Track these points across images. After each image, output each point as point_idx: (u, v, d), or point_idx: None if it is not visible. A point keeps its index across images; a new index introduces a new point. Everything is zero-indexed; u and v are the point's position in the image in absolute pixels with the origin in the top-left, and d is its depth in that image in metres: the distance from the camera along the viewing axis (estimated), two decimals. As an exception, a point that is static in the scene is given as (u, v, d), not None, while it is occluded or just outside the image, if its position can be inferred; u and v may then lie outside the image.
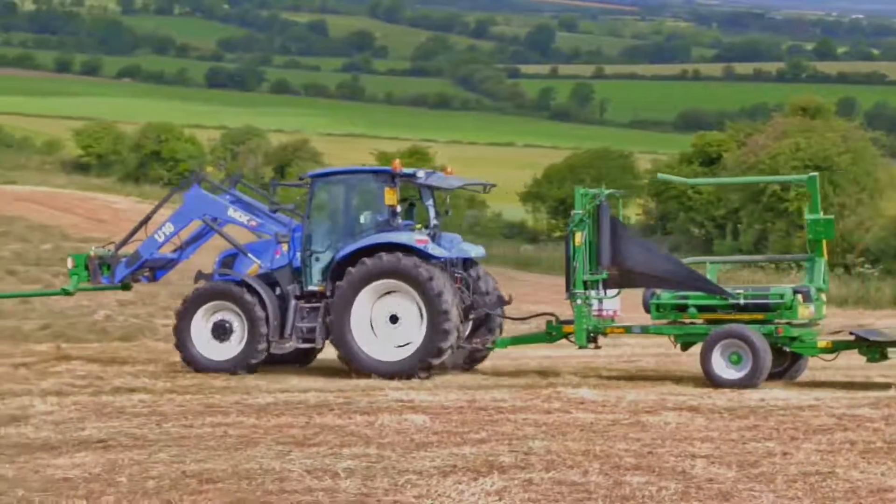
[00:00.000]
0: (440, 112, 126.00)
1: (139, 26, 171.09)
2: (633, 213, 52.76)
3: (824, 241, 15.19)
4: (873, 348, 14.81)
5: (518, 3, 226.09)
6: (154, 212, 17.18)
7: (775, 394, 13.99)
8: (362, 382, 15.19)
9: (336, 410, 12.84)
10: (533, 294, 33.67)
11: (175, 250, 17.13)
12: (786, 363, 15.22)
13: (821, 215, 15.28)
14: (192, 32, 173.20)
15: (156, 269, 17.14)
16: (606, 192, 15.50)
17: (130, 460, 10.07)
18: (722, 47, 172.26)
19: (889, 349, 14.94)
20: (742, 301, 14.75)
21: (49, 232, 36.68)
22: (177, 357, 18.24)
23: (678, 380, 15.62)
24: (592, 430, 11.66)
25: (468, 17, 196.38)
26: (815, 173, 16.34)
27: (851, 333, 15.09)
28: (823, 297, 15.25)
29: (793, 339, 14.73)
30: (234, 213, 16.70)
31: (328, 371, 16.50)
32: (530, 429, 11.72)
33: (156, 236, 16.84)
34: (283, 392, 14.26)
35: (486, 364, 17.18)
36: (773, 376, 14.98)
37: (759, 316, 14.69)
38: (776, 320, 14.62)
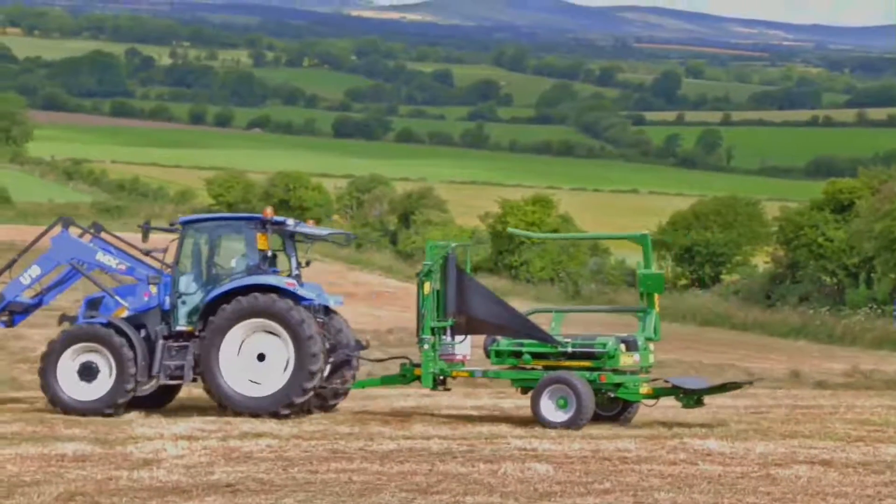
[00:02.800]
0: (564, 159, 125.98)
1: (269, 78, 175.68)
2: (760, 260, 51.81)
3: (655, 295, 16.25)
4: (688, 395, 15.80)
5: (644, 50, 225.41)
6: (21, 255, 17.31)
7: (912, 448, 13.52)
8: (485, 430, 15.14)
9: (459, 458, 12.82)
10: (659, 345, 33.17)
11: (35, 295, 17.30)
12: (618, 408, 16.06)
13: (652, 270, 16.45)
14: (321, 83, 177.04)
15: (14, 314, 17.30)
16: (454, 244, 16.55)
17: (257, 504, 10.20)
18: (855, 92, 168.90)
19: (704, 396, 15.99)
20: (570, 349, 15.74)
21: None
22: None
23: (809, 433, 15.22)
24: (720, 483, 11.40)
25: (593, 64, 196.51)
26: (647, 231, 17.49)
27: (666, 381, 16.01)
28: (651, 346, 16.06)
29: (617, 385, 15.64)
30: (103, 257, 17.04)
31: (452, 418, 16.51)
32: (655, 480, 11.52)
33: (21, 279, 17.10)
34: (406, 439, 14.30)
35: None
36: (608, 419, 15.91)
37: (587, 364, 15.65)
38: (601, 368, 15.56)
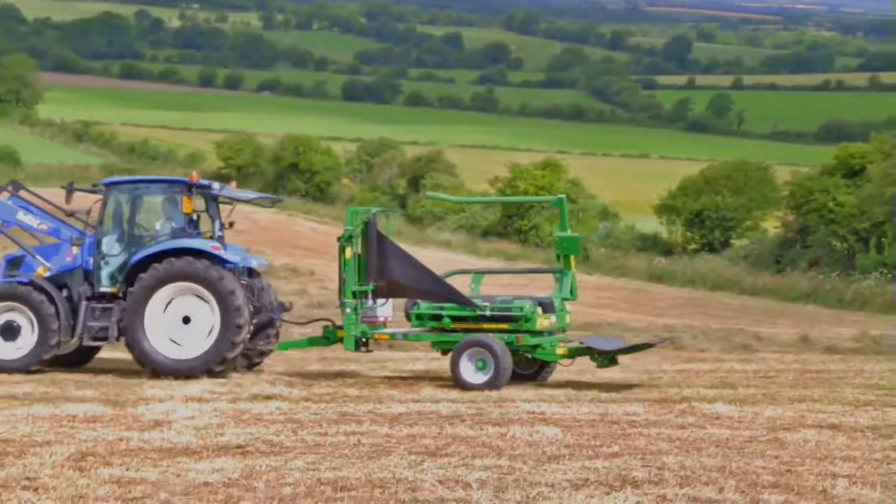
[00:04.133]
0: (574, 124, 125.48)
1: (279, 41, 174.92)
2: (771, 225, 51.71)
3: (572, 257, 16.67)
4: (602, 356, 16.29)
5: (655, 14, 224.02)
6: None
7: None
8: (494, 393, 15.20)
9: (468, 421, 12.87)
10: (668, 310, 33.21)
11: None
12: (535, 367, 16.51)
13: (568, 233, 16.82)
14: (330, 46, 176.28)
15: None
16: (375, 210, 17.01)
17: (267, 466, 10.27)
18: (867, 56, 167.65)
19: (618, 356, 16.55)
20: (489, 312, 16.10)
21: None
22: (312, 366, 18.52)
23: (818, 397, 15.24)
24: (728, 447, 11.44)
25: (603, 28, 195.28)
26: (563, 195, 18.21)
27: (581, 342, 16.58)
28: (568, 307, 16.62)
29: (534, 346, 16.07)
30: (24, 216, 17.06)
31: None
32: (664, 443, 11.56)
33: None
34: (415, 402, 14.37)
35: (615, 375, 17.04)
36: (525, 378, 16.28)
37: (504, 326, 16.04)
38: (518, 330, 15.95)
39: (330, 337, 16.80)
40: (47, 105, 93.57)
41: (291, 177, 63.27)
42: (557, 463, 10.47)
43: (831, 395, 15.63)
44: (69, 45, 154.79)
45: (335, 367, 18.41)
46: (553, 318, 16.23)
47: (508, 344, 15.80)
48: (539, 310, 16.03)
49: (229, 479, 9.74)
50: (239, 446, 11.23)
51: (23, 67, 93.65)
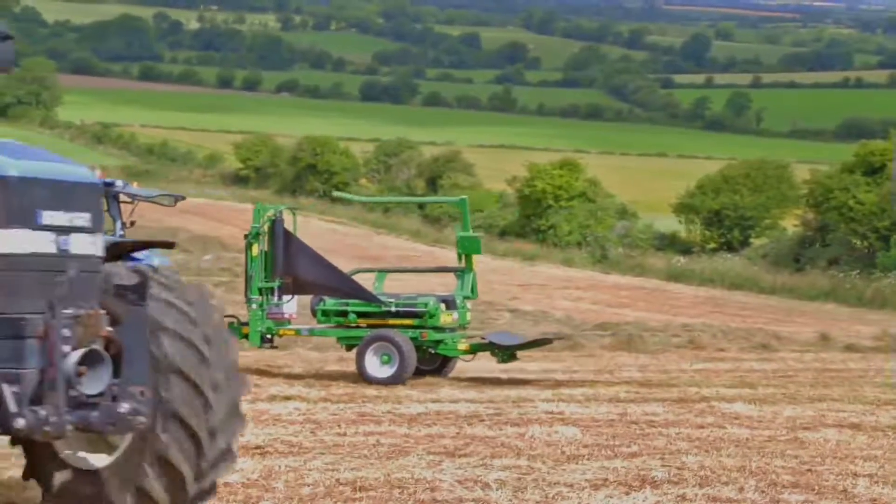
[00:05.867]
0: (592, 123, 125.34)
1: (297, 42, 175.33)
2: (790, 223, 51.51)
3: (473, 256, 17.12)
4: (503, 351, 16.78)
5: (673, 13, 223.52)
6: None
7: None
8: (513, 393, 15.19)
9: (486, 421, 12.87)
10: (686, 309, 33.12)
11: None
12: (437, 363, 16.91)
13: (470, 233, 17.30)
14: (348, 47, 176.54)
15: None
16: (282, 207, 17.25)
17: (286, 467, 10.29)
18: (887, 53, 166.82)
19: (518, 351, 17.04)
20: (394, 308, 16.58)
21: (209, 243, 37.79)
22: (331, 366, 18.57)
23: (838, 396, 15.17)
24: (748, 446, 11.40)
25: (621, 26, 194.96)
26: (465, 196, 18.84)
27: (483, 338, 17.24)
28: (469, 304, 17.14)
29: (437, 342, 16.57)
30: None
31: (479, 382, 16.56)
32: (683, 443, 11.53)
33: None
34: (434, 402, 14.37)
35: (634, 375, 16.98)
36: (429, 373, 16.70)
37: (409, 322, 16.50)
38: (423, 326, 16.42)
39: (236, 333, 16.96)
40: (67, 107, 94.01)
41: (309, 177, 63.41)
42: (576, 463, 10.46)
43: (851, 394, 15.56)
44: (88, 48, 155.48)
45: (353, 367, 18.45)
46: (455, 314, 16.79)
47: (413, 339, 16.24)
48: (442, 306, 16.57)
49: (248, 479, 9.76)
50: (258, 447, 11.25)
51: (42, 70, 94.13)
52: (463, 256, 17.19)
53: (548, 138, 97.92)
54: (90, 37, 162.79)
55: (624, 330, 24.20)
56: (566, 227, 51.31)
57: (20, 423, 6.25)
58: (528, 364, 18.94)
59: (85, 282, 6.62)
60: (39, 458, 7.14)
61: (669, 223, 54.69)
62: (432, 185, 61.72)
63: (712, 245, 52.55)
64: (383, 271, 18.15)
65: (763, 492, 9.31)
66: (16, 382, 6.33)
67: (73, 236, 6.64)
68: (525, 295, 32.44)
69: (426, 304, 16.51)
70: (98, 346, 6.49)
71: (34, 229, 6.46)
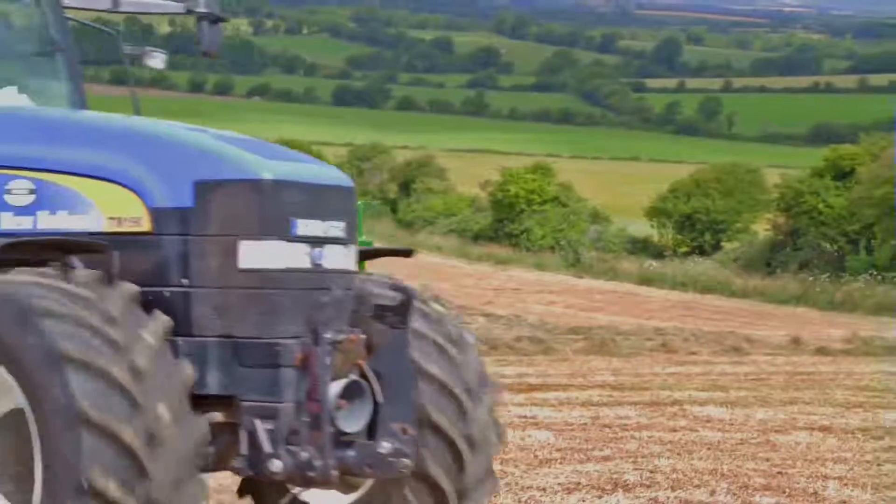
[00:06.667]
0: (565, 127, 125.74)
1: (269, 46, 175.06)
2: (761, 227, 51.82)
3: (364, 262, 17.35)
4: None
5: (644, 17, 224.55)
6: None
7: (912, 414, 13.57)
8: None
9: (460, 425, 12.85)
10: (659, 313, 33.26)
11: None
12: None
13: (363, 238, 17.39)
14: (320, 51, 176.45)
15: None
16: None
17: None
18: (856, 58, 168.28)
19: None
20: None
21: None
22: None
23: (809, 399, 15.26)
24: (720, 449, 11.45)
25: (593, 31, 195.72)
26: (361, 202, 18.15)
27: None
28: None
29: None
30: None
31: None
32: (656, 446, 11.56)
33: None
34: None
35: (607, 379, 17.02)
36: None
37: None
38: None
39: None
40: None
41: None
42: (549, 467, 10.46)
43: (822, 396, 15.65)
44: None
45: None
46: None
47: None
48: None
49: (221, 484, 9.71)
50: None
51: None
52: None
53: (520, 143, 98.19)
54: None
55: (597, 334, 24.27)
56: (539, 232, 51.44)
57: (277, 465, 5.39)
58: (501, 368, 18.95)
59: (342, 301, 5.75)
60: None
61: (642, 227, 54.92)
62: (405, 189, 61.72)
63: (684, 249, 52.80)
64: None
65: (735, 494, 9.35)
66: (271, 418, 5.41)
67: (328, 248, 5.75)
68: (498, 299, 32.48)
69: None
70: (357, 377, 5.62)
71: (289, 241, 5.58)
